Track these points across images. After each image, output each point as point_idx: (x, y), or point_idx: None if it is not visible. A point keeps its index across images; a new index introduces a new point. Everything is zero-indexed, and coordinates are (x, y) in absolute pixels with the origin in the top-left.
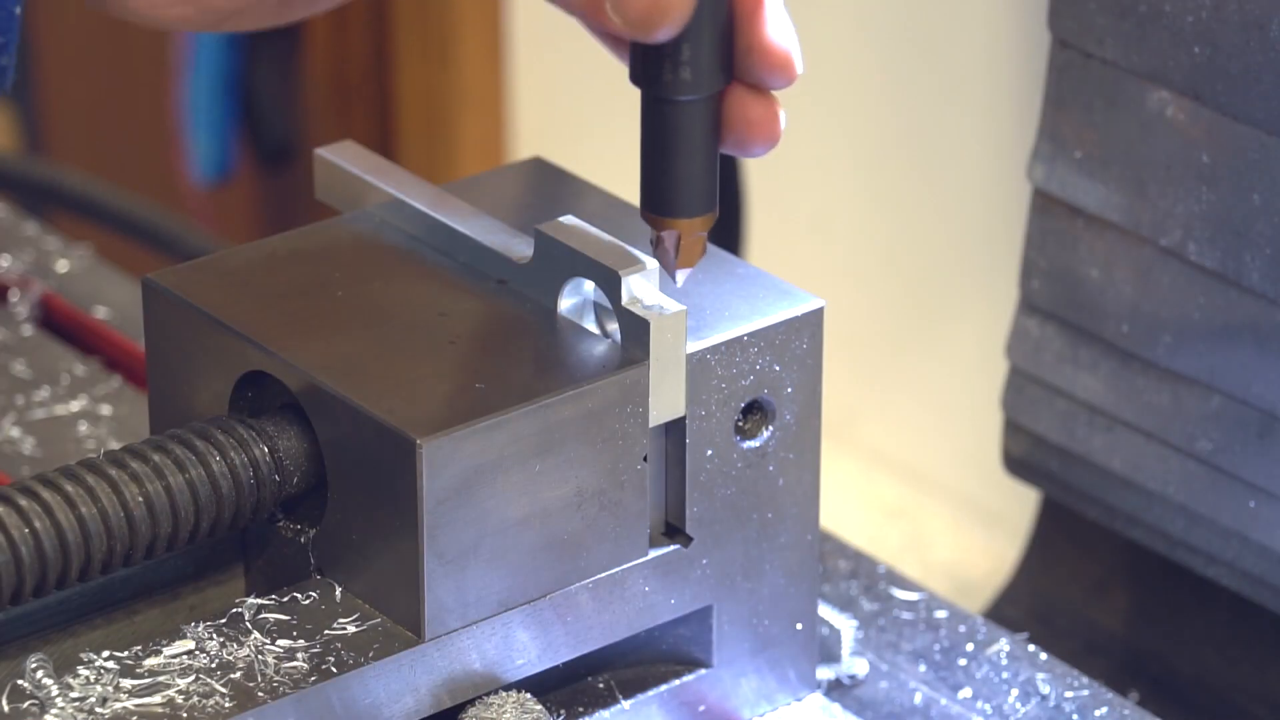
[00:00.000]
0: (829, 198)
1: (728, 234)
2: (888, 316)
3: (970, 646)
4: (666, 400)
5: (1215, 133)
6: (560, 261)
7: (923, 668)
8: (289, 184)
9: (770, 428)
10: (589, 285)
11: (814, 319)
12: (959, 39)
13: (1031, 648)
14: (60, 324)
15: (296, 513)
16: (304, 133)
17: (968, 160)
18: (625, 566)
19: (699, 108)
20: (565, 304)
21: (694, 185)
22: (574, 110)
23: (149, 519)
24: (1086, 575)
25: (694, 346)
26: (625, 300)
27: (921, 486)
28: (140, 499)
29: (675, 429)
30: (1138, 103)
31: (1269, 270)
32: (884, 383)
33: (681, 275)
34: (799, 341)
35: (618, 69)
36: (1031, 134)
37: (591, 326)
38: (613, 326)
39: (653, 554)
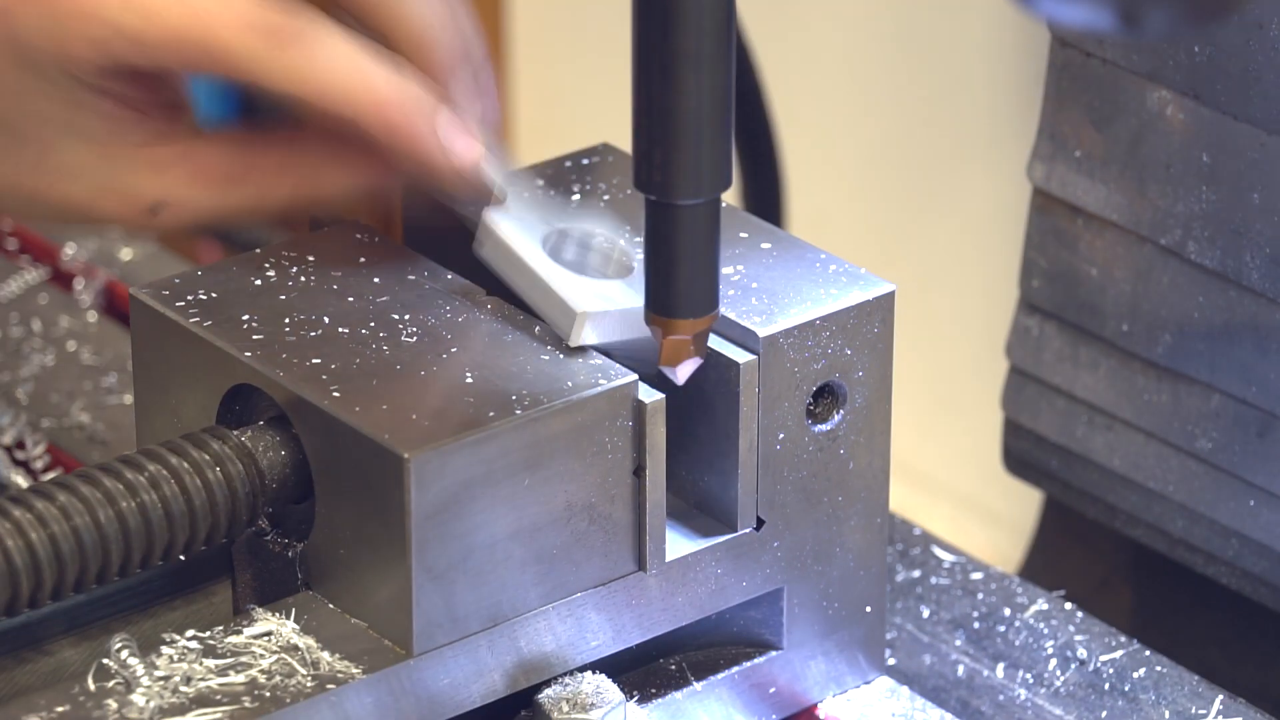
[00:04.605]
0: (829, 196)
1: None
2: None
3: (1007, 611)
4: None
5: (1215, 133)
6: None
7: (960, 640)
8: None
9: (841, 411)
10: None
11: (885, 303)
12: (959, 39)
13: (1068, 606)
14: (125, 311)
15: (285, 526)
16: None
17: (968, 160)
18: (689, 553)
19: (700, 211)
20: None
21: (696, 286)
22: (574, 110)
23: (121, 538)
24: (1090, 574)
25: (766, 330)
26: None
27: (921, 486)
28: (114, 517)
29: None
30: (1138, 103)
31: (1269, 270)
32: None
33: (684, 375)
34: (870, 325)
35: (617, 70)
36: (1031, 134)
37: None
38: None
39: (725, 537)
